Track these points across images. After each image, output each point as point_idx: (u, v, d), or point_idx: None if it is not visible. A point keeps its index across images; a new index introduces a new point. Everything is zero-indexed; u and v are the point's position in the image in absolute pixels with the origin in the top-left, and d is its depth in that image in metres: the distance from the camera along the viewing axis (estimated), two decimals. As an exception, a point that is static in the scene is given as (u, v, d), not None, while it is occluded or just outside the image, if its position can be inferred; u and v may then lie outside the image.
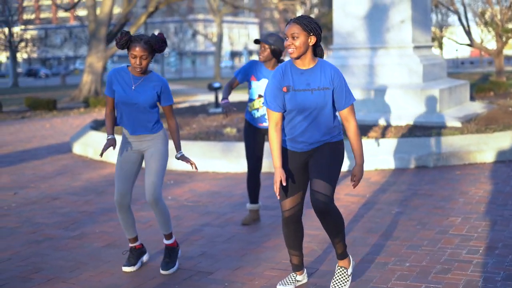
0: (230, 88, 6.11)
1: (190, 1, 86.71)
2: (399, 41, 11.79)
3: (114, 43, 28.65)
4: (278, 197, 4.31)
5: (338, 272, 4.49)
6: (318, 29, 4.15)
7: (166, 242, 5.20)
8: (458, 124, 10.46)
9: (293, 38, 4.09)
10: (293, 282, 4.65)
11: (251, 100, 6.13)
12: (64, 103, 25.83)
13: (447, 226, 6.13)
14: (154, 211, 5.05)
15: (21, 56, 64.68)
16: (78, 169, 9.95)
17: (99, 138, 11.18)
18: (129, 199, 5.06)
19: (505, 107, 13.27)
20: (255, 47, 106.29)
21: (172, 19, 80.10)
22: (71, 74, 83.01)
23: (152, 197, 4.94)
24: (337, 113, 5.59)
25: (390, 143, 9.31)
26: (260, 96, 6.05)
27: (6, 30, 52.82)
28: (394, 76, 11.58)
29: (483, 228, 6.01)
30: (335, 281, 4.46)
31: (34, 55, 77.72)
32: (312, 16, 50.74)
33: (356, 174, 4.33)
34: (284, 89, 4.20)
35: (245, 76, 6.12)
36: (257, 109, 6.10)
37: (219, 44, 53.51)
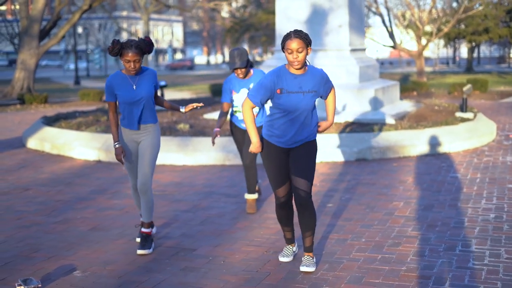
0: (224, 115, 6.82)
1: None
2: (337, 44, 12.74)
3: (46, 40, 28.71)
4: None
5: (305, 258, 5.23)
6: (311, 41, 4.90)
7: (144, 230, 5.77)
8: (392, 121, 11.46)
9: (298, 52, 4.75)
10: (291, 254, 5.43)
11: (234, 106, 6.82)
12: (-4, 100, 25.74)
13: (392, 209, 7.02)
14: (142, 199, 5.70)
15: None
16: (39, 162, 10.42)
17: (55, 133, 11.66)
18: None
19: (432, 106, 14.43)
20: (179, 45, 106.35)
21: (96, 16, 79.50)
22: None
23: (143, 186, 5.63)
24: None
25: (332, 138, 10.19)
26: None
27: None
28: (333, 76, 12.50)
29: (423, 211, 6.93)
30: (303, 263, 5.20)
31: (-50, 51, 75.67)
32: (237, 14, 51.54)
33: (322, 125, 5.14)
34: (278, 91, 4.90)
35: (229, 95, 6.78)
36: (235, 113, 6.84)
37: (146, 41, 53.66)
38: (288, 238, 5.45)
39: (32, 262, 5.48)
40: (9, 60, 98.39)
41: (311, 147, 5.09)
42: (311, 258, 5.23)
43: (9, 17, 74.67)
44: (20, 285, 4.74)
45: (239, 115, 6.83)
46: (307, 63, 4.95)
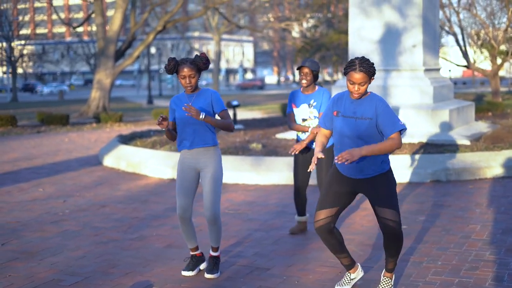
0: (295, 121, 6.79)
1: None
2: (411, 64, 12.63)
3: (121, 60, 29.43)
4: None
5: (384, 281, 5.14)
6: (375, 70, 4.82)
7: (213, 253, 5.73)
8: (467, 142, 11.26)
9: (360, 85, 4.69)
10: (348, 283, 5.24)
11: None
12: (74, 118, 26.52)
13: (469, 232, 6.88)
14: (211, 227, 5.60)
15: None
16: (115, 180, 10.67)
17: (130, 151, 11.92)
18: (190, 213, 5.63)
19: (508, 127, 14.11)
20: (250, 64, 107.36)
21: (169, 36, 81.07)
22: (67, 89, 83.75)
23: (212, 216, 5.52)
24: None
25: (406, 159, 10.08)
26: (303, 120, 6.72)
27: (4, 44, 53.68)
28: (407, 96, 12.40)
29: (501, 234, 6.76)
30: (381, 286, 5.13)
31: (30, 70, 78.46)
32: (307, 34, 51.66)
33: (347, 151, 4.59)
34: (335, 113, 4.91)
35: (291, 107, 6.82)
36: (303, 132, 6.76)
37: (217, 61, 54.42)
38: (345, 264, 5.21)
39: (110, 278, 5.60)
40: (85, 80, 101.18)
41: (388, 178, 4.88)
42: (389, 280, 5.13)
43: (85, 38, 76.70)
44: (99, 300, 4.85)
45: (301, 135, 6.78)
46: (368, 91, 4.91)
